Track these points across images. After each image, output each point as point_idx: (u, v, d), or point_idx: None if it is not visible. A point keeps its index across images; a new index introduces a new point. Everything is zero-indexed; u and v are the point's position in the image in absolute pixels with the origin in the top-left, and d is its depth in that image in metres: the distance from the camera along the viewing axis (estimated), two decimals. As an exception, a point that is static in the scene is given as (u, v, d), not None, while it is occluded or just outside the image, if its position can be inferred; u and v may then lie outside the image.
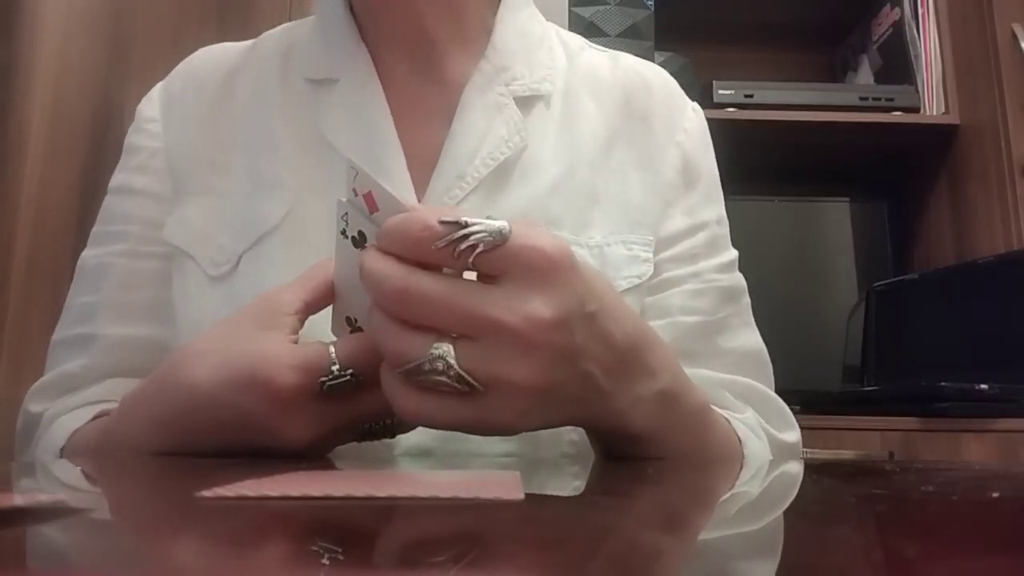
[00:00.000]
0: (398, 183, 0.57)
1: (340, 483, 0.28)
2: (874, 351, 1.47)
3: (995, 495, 0.32)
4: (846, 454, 1.15)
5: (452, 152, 0.58)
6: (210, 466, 0.41)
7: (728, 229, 0.66)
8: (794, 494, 0.34)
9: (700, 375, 0.59)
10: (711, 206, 0.65)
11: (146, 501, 0.28)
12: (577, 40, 0.69)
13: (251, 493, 0.25)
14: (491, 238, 0.36)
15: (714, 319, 0.61)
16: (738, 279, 0.65)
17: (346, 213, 0.42)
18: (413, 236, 0.37)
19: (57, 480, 0.37)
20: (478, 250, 0.36)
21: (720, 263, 0.64)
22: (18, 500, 0.21)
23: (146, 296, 0.61)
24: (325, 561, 0.17)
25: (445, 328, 0.37)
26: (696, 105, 0.69)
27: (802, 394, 1.31)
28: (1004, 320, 1.27)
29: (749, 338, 0.63)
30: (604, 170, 0.62)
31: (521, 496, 0.25)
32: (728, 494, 0.34)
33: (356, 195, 0.41)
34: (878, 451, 1.15)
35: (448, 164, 0.58)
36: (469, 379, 0.37)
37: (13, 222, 1.37)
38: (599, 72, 0.66)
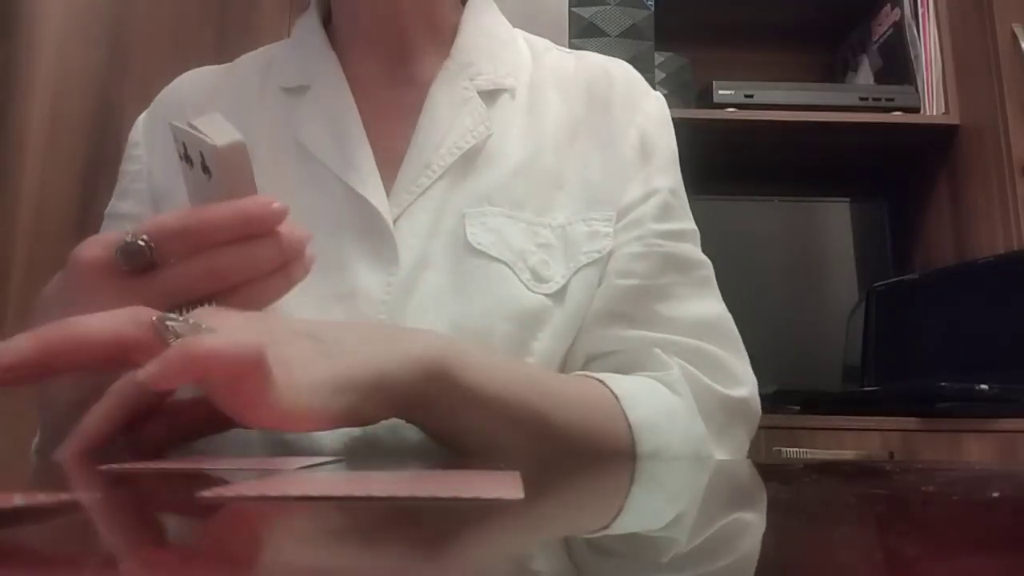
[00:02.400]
0: (367, 178, 0.60)
1: (340, 483, 0.28)
2: (874, 351, 1.47)
3: (995, 495, 0.32)
4: (846, 454, 1.15)
5: (418, 144, 0.61)
6: (210, 466, 0.41)
7: (686, 203, 0.66)
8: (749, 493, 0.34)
9: (631, 336, 0.59)
10: (665, 175, 0.65)
11: (146, 501, 0.28)
12: (543, 42, 0.71)
13: (251, 493, 0.25)
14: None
15: (653, 284, 0.60)
16: (689, 250, 0.63)
17: (183, 143, 0.44)
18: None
19: (57, 480, 0.37)
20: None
21: (668, 229, 0.62)
22: (18, 500, 0.21)
23: None
24: (325, 561, 0.17)
25: None
26: (659, 95, 0.69)
27: (802, 394, 1.31)
28: (1004, 320, 1.27)
29: (699, 307, 0.61)
30: (568, 156, 0.63)
31: (521, 496, 0.25)
32: (727, 494, 0.34)
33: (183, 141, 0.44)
34: (878, 451, 1.15)
35: (415, 155, 0.61)
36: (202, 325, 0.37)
37: (13, 222, 1.37)
38: (563, 68, 0.68)
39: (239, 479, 0.31)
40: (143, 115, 0.70)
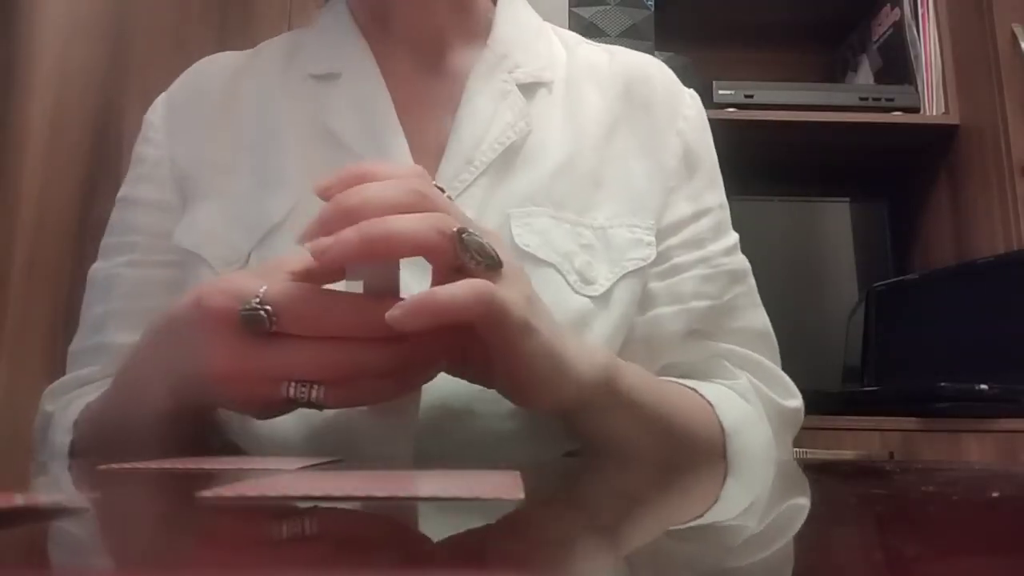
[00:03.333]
0: None
1: (340, 483, 0.28)
2: (874, 351, 1.47)
3: (995, 495, 0.32)
4: (846, 454, 1.15)
5: (459, 137, 0.60)
6: (210, 466, 0.41)
7: (729, 213, 0.68)
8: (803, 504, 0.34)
9: (705, 346, 0.63)
10: (713, 191, 0.67)
11: (146, 501, 0.28)
12: (574, 36, 0.71)
13: (251, 493, 0.25)
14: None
15: (723, 302, 0.64)
16: (742, 261, 0.67)
17: None
18: None
19: (58, 480, 0.37)
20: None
21: (726, 246, 0.65)
22: (18, 500, 0.21)
23: (154, 303, 0.61)
24: (325, 561, 0.17)
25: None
26: (693, 92, 0.70)
27: (802, 394, 1.31)
28: (1004, 320, 1.27)
29: (756, 318, 0.66)
30: (607, 155, 0.63)
31: (521, 496, 0.25)
32: (729, 494, 0.34)
33: None
34: (878, 451, 1.15)
35: (456, 149, 0.59)
36: (495, 252, 0.42)
37: (13, 222, 1.37)
38: (598, 64, 0.67)
39: (239, 479, 0.31)
40: (162, 97, 0.68)
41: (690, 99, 0.68)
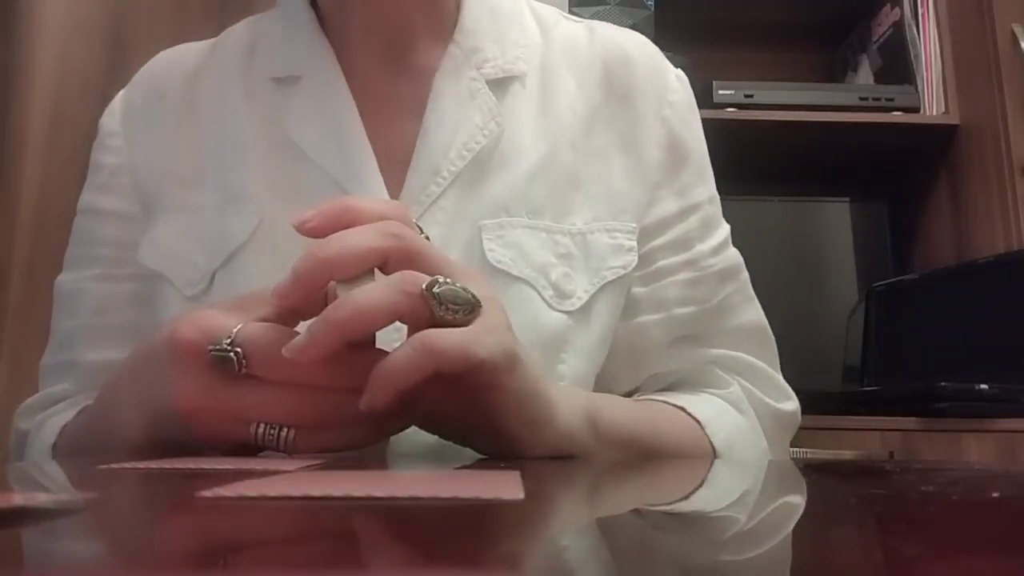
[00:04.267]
0: (370, 185, 0.56)
1: (340, 483, 0.28)
2: (874, 351, 1.47)
3: (995, 495, 0.32)
4: (846, 454, 1.15)
5: (425, 146, 0.57)
6: (210, 466, 0.41)
7: (719, 206, 0.65)
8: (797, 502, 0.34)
9: (694, 353, 0.61)
10: (702, 184, 0.63)
11: (146, 501, 0.28)
12: (552, 13, 0.66)
13: (251, 493, 0.25)
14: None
15: (712, 305, 0.61)
16: (732, 256, 0.64)
17: None
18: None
19: (57, 480, 0.37)
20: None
21: (715, 245, 0.62)
22: (18, 500, 0.21)
23: (122, 318, 0.61)
24: (325, 561, 0.17)
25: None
26: (680, 72, 0.66)
27: (802, 394, 1.30)
28: (1004, 320, 1.27)
29: (749, 315, 0.63)
30: (585, 151, 0.60)
31: (521, 496, 0.25)
32: (727, 491, 0.34)
33: None
34: (878, 451, 1.15)
35: (423, 159, 0.56)
36: (471, 295, 0.40)
37: (13, 222, 1.37)
38: (576, 45, 0.63)
39: (239, 479, 0.31)
40: (118, 98, 0.66)
41: (676, 81, 0.65)
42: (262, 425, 0.40)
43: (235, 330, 0.40)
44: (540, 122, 0.59)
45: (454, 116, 0.57)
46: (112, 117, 0.65)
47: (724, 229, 0.64)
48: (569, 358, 0.56)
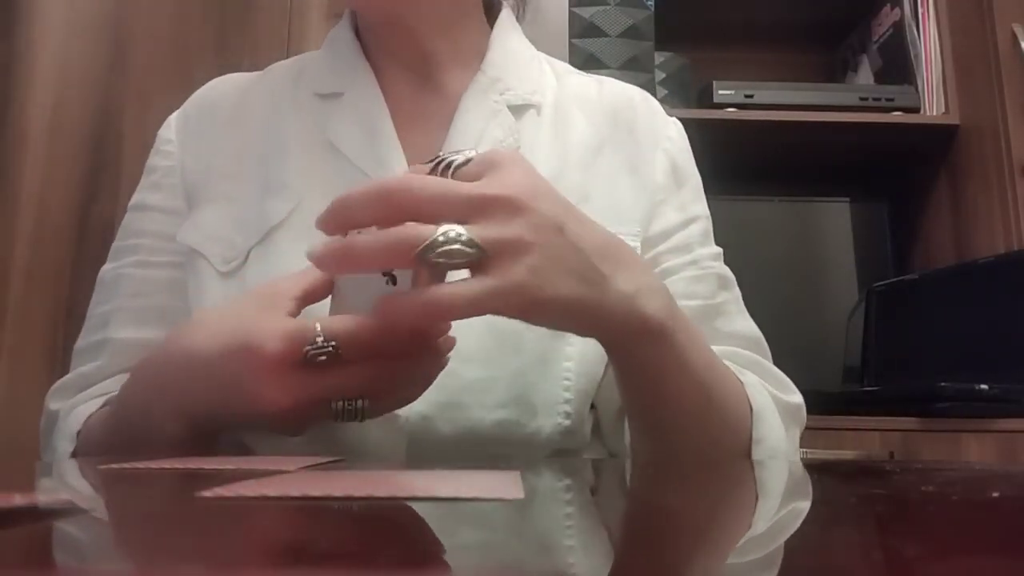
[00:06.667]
0: None
1: (340, 483, 0.28)
2: (874, 351, 1.47)
3: (995, 495, 0.32)
4: (846, 454, 1.15)
5: (451, 149, 0.60)
6: (210, 466, 0.41)
7: (712, 227, 0.70)
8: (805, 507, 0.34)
9: None
10: (699, 204, 0.70)
11: (146, 501, 0.28)
12: (564, 65, 0.75)
13: (251, 493, 0.25)
14: (462, 158, 0.45)
15: (713, 303, 0.65)
16: (728, 271, 0.69)
17: None
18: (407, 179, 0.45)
19: (58, 480, 0.37)
20: (455, 164, 0.45)
21: (713, 252, 0.68)
22: (18, 500, 0.21)
23: (156, 301, 0.65)
24: (325, 560, 0.17)
25: (447, 217, 0.42)
26: (676, 120, 0.73)
27: (802, 394, 1.31)
28: (1004, 320, 1.27)
29: (745, 324, 0.67)
30: (594, 172, 0.65)
31: (521, 495, 0.25)
32: (728, 491, 0.34)
33: None
34: (878, 451, 1.15)
35: None
36: (478, 241, 0.41)
37: (13, 222, 1.38)
38: (586, 91, 0.71)
39: (239, 479, 0.31)
40: (175, 114, 0.72)
41: (673, 126, 0.72)
42: (343, 401, 0.46)
43: (318, 328, 0.45)
44: (553, 145, 0.66)
45: (477, 128, 0.64)
46: (168, 128, 0.71)
47: (718, 248, 0.69)
48: (576, 340, 0.58)
